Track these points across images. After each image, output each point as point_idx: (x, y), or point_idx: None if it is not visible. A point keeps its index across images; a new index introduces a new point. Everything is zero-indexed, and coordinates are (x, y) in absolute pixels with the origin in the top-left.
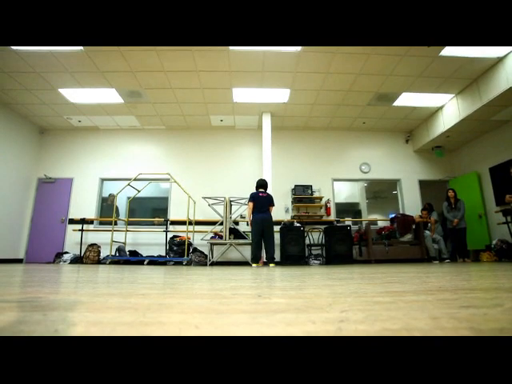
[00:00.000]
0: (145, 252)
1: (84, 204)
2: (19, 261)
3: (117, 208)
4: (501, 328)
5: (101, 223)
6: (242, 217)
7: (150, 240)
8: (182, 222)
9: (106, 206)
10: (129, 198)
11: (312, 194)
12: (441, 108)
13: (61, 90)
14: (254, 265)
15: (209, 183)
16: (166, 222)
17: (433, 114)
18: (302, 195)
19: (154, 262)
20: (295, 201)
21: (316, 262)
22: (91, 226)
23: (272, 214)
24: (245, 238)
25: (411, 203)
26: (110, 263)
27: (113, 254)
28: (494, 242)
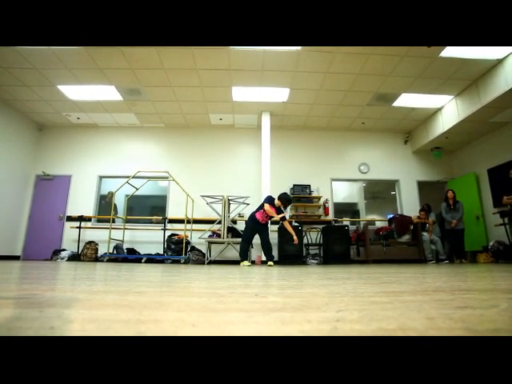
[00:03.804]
0: (143, 250)
1: (82, 201)
2: (16, 258)
3: (115, 206)
4: (496, 329)
5: (99, 221)
6: (240, 216)
7: (148, 238)
8: (180, 221)
9: (105, 204)
10: (127, 195)
11: (310, 194)
12: (440, 109)
13: (60, 87)
14: (243, 263)
15: (207, 182)
16: (164, 220)
17: (432, 114)
18: (301, 195)
19: (152, 260)
20: (294, 200)
21: (314, 261)
22: (89, 224)
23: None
24: None
25: (409, 204)
26: (107, 261)
27: (110, 251)
28: (491, 244)
